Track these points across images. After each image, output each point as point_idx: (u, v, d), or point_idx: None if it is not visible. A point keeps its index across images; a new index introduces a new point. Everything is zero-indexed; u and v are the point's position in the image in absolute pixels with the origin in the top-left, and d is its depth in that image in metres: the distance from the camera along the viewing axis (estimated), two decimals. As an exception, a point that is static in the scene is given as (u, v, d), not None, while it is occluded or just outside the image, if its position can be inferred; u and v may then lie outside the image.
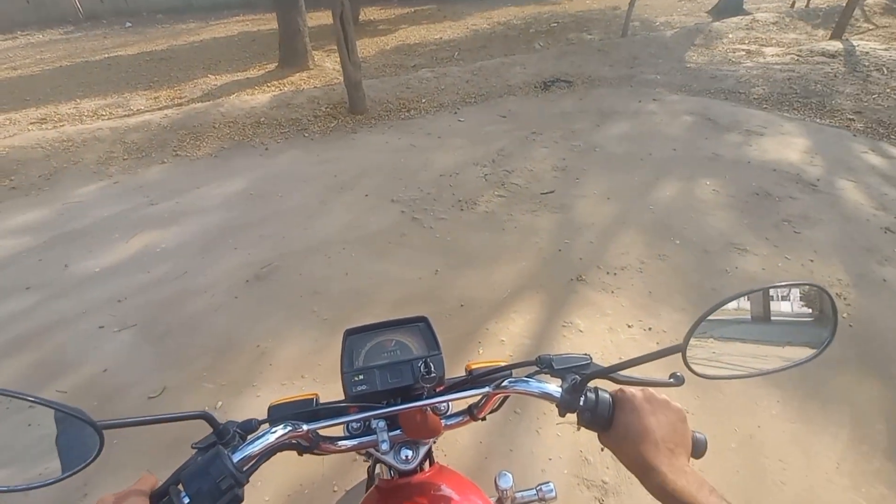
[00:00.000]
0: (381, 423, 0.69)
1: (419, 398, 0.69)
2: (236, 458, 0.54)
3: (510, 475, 0.84)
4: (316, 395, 0.71)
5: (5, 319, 2.51)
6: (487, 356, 2.13)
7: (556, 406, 0.62)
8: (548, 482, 0.87)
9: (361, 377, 0.71)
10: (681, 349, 0.56)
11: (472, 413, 0.76)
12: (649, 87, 5.86)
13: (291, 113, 5.21)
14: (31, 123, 5.37)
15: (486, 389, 0.70)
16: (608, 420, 0.60)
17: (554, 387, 0.64)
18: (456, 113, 5.30)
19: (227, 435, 0.56)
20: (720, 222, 3.14)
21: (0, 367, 2.22)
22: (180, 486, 0.50)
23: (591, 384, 0.62)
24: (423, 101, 5.61)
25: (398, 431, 0.71)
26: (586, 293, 2.53)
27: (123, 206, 3.63)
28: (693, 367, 0.58)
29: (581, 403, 0.60)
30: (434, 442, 0.80)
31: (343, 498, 1.58)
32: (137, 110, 5.66)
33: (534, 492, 0.87)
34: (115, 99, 6.10)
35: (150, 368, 2.16)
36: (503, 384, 0.68)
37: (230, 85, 6.41)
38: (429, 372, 0.68)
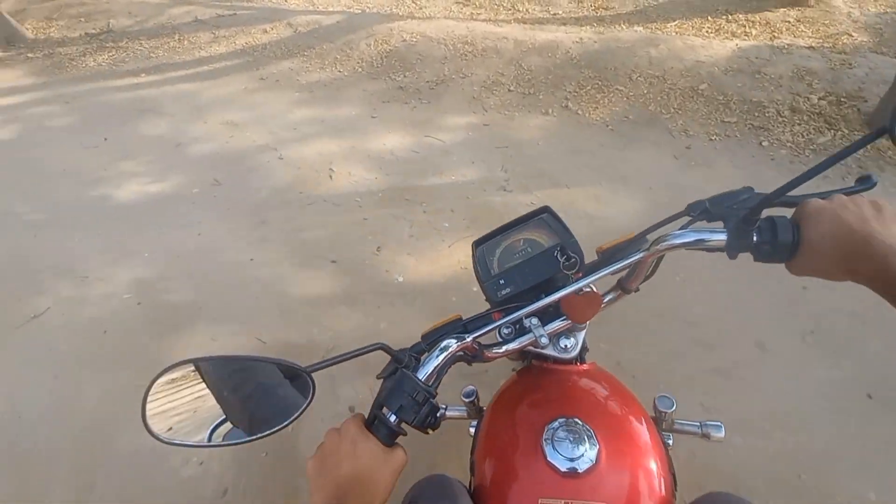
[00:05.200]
0: (535, 321, 0.69)
1: (563, 287, 0.67)
2: (419, 375, 0.59)
3: (672, 399, 0.79)
4: (459, 315, 0.71)
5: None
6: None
7: (726, 251, 0.56)
8: (717, 421, 0.81)
9: (503, 281, 0.72)
10: (887, 130, 0.47)
11: (623, 287, 0.75)
12: None
13: (754, 90, 3.13)
14: (454, 3, 5.00)
15: (639, 255, 0.64)
16: (794, 243, 0.52)
17: (716, 230, 0.57)
18: None
19: (405, 359, 0.61)
20: None
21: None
22: (384, 410, 0.56)
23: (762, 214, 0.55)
24: None
25: (551, 324, 0.72)
26: None
27: (476, 176, 2.74)
28: None
29: (754, 239, 0.54)
30: (584, 328, 0.78)
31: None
32: (555, 15, 4.56)
33: (697, 425, 0.82)
34: (538, -8, 5.13)
35: None
36: (656, 244, 0.61)
37: (678, 4, 4.53)
38: (568, 258, 0.68)
